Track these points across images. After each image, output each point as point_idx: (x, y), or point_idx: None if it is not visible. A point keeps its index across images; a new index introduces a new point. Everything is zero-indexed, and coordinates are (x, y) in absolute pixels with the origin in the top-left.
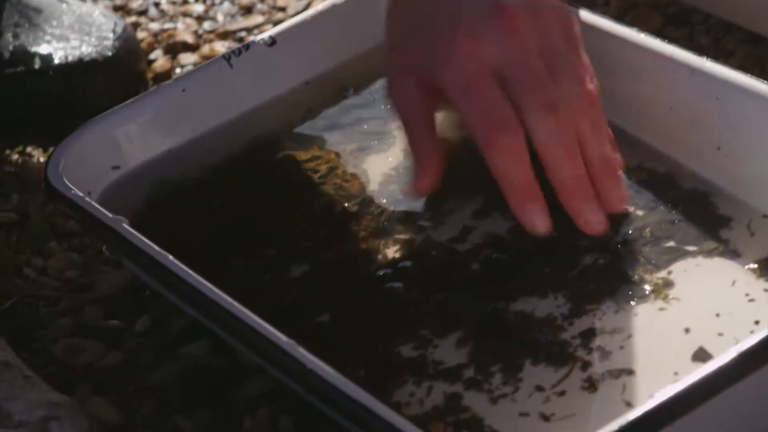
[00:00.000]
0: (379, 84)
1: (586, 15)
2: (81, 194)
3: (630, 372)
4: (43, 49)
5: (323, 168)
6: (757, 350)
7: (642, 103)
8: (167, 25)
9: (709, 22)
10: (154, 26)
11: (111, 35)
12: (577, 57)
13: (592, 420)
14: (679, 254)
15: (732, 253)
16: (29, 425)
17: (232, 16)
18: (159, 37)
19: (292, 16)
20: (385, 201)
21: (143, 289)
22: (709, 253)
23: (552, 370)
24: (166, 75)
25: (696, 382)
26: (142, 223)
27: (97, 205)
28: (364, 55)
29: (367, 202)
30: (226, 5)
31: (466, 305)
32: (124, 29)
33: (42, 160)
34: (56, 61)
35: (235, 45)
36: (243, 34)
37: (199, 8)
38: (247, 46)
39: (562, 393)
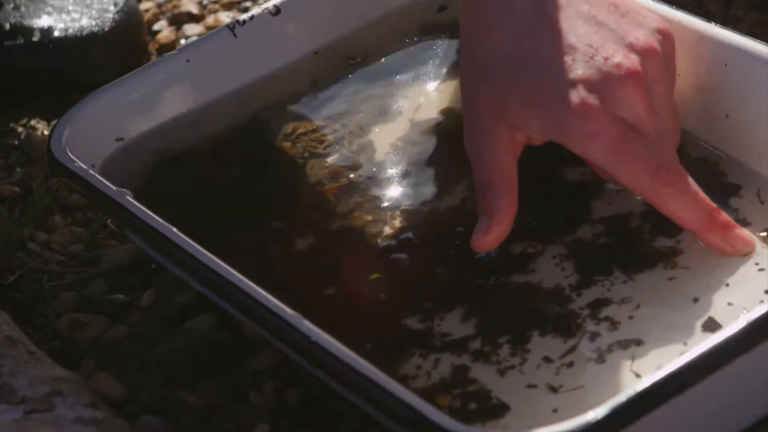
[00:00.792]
0: (387, 53)
1: None
2: (84, 167)
3: (639, 342)
4: (43, 21)
5: (329, 138)
6: (766, 320)
7: None
8: None
9: None
10: None
11: (112, 7)
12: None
13: (600, 391)
14: None
15: (741, 221)
16: (33, 401)
17: None
18: (163, 8)
19: None
20: (391, 171)
21: (148, 262)
22: None
23: (560, 341)
24: (170, 46)
25: (705, 352)
26: (147, 196)
27: (100, 178)
28: (371, 24)
29: (373, 172)
30: None
31: (472, 277)
32: (126, 1)
33: (46, 133)
34: (56, 33)
35: (239, 15)
36: (248, 4)
37: None
38: (252, 16)
39: (570, 364)
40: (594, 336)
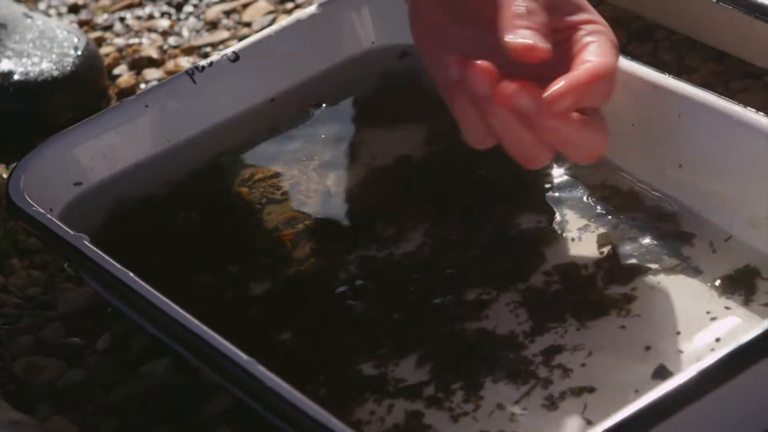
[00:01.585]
0: (345, 100)
1: None
2: (42, 211)
3: (591, 390)
4: (3, 65)
5: (286, 184)
6: (717, 368)
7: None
8: (132, 41)
9: (672, 38)
10: (119, 41)
11: (72, 51)
12: None
13: None
14: (641, 271)
15: (694, 270)
16: None
17: (198, 31)
18: (124, 53)
19: (258, 31)
20: (347, 218)
21: (105, 306)
22: (671, 270)
23: (513, 388)
24: (130, 90)
25: (655, 400)
26: (105, 240)
27: (58, 222)
28: (330, 70)
29: (329, 218)
30: (192, 20)
31: (427, 323)
32: (87, 45)
33: (4, 176)
34: (16, 77)
35: (199, 61)
36: (208, 49)
37: (164, 23)
38: (211, 62)
39: (523, 411)
40: (547, 383)
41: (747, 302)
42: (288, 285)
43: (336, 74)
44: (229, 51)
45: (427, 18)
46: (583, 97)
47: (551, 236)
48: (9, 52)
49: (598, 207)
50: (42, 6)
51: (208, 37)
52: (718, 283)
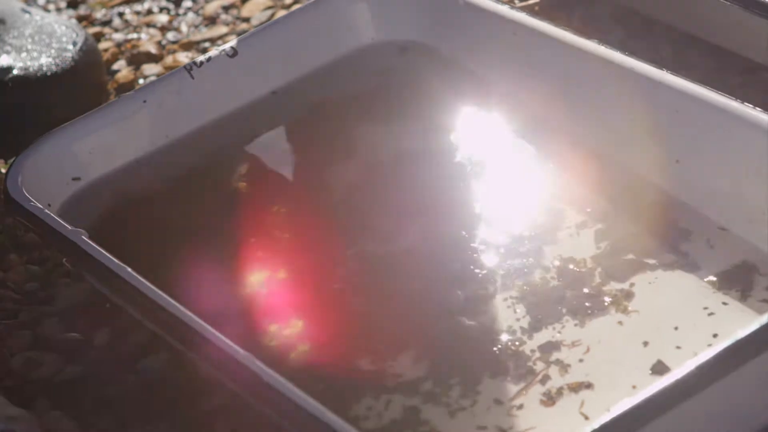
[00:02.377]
0: (344, 95)
1: (546, 27)
2: (40, 206)
3: (588, 385)
4: (2, 60)
5: (284, 180)
6: (714, 363)
7: (602, 115)
8: (131, 36)
9: (671, 34)
10: (118, 36)
11: (71, 46)
12: None
13: None
14: (638, 267)
15: (691, 266)
16: None
17: (196, 26)
18: (122, 48)
19: (257, 26)
20: (346, 213)
21: (103, 302)
22: (668, 266)
23: (511, 384)
24: (129, 86)
25: (653, 395)
26: (103, 236)
27: (56, 217)
28: (328, 66)
29: (328, 214)
30: (191, 16)
31: (424, 318)
32: (85, 40)
33: (2, 171)
34: (15, 72)
35: (198, 56)
36: (207, 44)
37: (163, 18)
38: (209, 58)
39: (520, 406)
40: (544, 379)
41: (744, 298)
42: (286, 281)
43: (335, 70)
44: (227, 46)
45: None
46: None
47: (549, 232)
48: (7, 48)
49: (596, 203)
50: (41, 1)
51: (206, 33)
52: (715, 278)
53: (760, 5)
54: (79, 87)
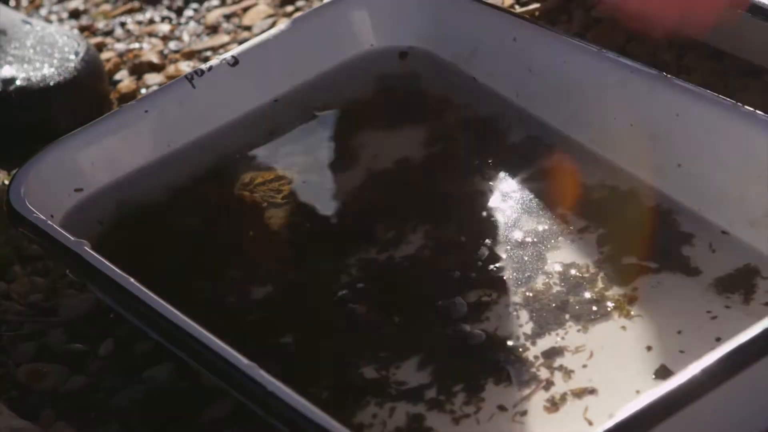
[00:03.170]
0: (345, 102)
1: (546, 32)
2: (43, 217)
3: (592, 391)
4: (4, 71)
5: (286, 188)
6: (718, 367)
7: (603, 120)
8: (133, 45)
9: (671, 38)
10: (120, 46)
11: (73, 57)
12: None
13: None
14: (641, 271)
15: (694, 270)
16: None
17: (198, 35)
18: (124, 58)
19: (258, 35)
20: (348, 221)
21: (107, 312)
22: (671, 270)
23: (515, 390)
24: (131, 95)
25: (656, 400)
26: (106, 246)
27: (59, 228)
28: (328, 74)
29: (329, 222)
30: (192, 25)
31: (428, 326)
32: (87, 50)
33: (6, 182)
34: (18, 83)
35: (200, 65)
36: (208, 53)
37: (164, 28)
38: (210, 67)
39: (524, 413)
40: (548, 384)
41: (747, 301)
42: (289, 289)
43: (335, 77)
44: (228, 55)
45: None
46: None
47: (551, 237)
48: (9, 59)
49: (597, 207)
50: (43, 12)
51: (208, 41)
52: (718, 282)
53: (761, 8)
54: (81, 97)
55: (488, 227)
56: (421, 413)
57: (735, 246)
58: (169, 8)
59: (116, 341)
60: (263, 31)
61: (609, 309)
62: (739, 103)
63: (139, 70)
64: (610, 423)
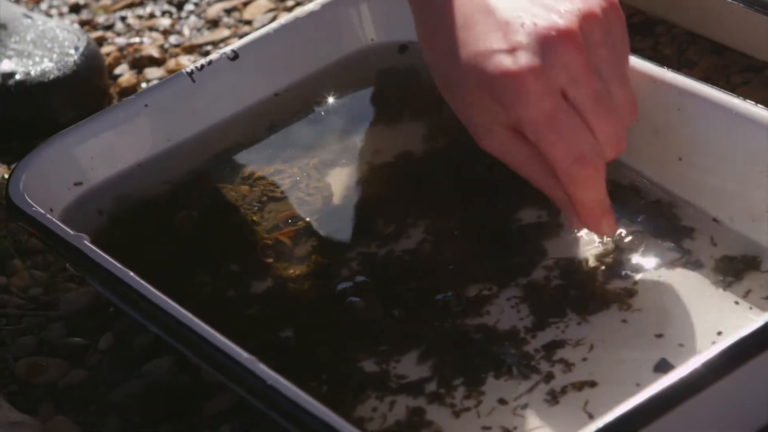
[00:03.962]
0: (345, 97)
1: None
2: (42, 211)
3: (592, 384)
4: (4, 65)
5: (287, 182)
6: (718, 361)
7: None
8: (133, 40)
9: (673, 32)
10: (120, 41)
11: (73, 51)
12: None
13: None
14: (641, 265)
15: (694, 263)
16: None
17: (198, 29)
18: (125, 52)
19: (258, 29)
20: (348, 215)
21: (107, 306)
22: (671, 264)
23: (515, 384)
24: (131, 90)
25: (656, 393)
26: (105, 240)
27: (58, 222)
28: (328, 68)
29: (330, 216)
30: (193, 19)
31: (428, 319)
32: (87, 45)
33: (5, 176)
34: (18, 77)
35: (200, 59)
36: (209, 47)
37: (165, 22)
38: (210, 61)
39: (524, 406)
40: (548, 378)
41: (747, 295)
42: (289, 283)
43: (335, 71)
44: (228, 49)
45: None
46: None
47: (552, 231)
48: (10, 53)
49: None
50: (44, 6)
51: (209, 36)
52: (718, 276)
53: (762, 2)
54: (81, 91)
55: (488, 221)
56: (422, 407)
57: (736, 240)
58: (170, 2)
59: (116, 335)
60: (264, 26)
61: (610, 303)
62: (740, 98)
63: (140, 64)
64: (611, 416)
